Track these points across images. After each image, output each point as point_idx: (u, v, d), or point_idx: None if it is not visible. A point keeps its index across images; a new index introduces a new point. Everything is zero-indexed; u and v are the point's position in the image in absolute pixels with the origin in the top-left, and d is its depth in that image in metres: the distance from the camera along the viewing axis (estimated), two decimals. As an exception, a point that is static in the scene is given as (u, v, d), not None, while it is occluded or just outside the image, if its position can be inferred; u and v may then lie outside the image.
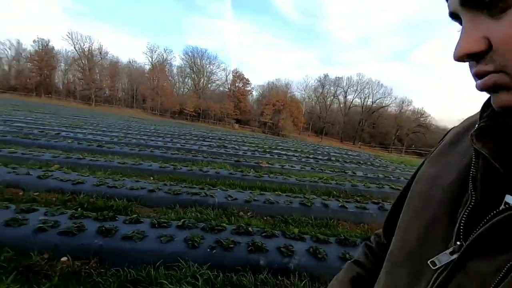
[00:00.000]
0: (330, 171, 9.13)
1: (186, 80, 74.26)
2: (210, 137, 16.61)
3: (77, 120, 18.43)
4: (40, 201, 4.36)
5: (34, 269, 2.62)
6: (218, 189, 5.41)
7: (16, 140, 8.59)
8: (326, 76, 71.86)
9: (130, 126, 18.02)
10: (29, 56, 61.46)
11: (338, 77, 70.62)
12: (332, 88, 72.27)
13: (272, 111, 62.83)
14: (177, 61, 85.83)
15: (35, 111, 22.42)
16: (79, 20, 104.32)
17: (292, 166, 8.94)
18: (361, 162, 13.73)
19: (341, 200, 5.46)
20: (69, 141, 9.05)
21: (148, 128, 18.73)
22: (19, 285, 2.30)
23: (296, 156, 11.93)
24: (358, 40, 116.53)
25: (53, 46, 63.36)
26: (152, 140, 11.64)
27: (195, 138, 14.71)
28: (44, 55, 61.44)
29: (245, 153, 11.16)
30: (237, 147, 12.74)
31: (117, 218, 3.53)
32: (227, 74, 72.08)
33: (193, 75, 72.07)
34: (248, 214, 4.65)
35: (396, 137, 64.72)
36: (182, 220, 3.58)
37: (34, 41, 60.66)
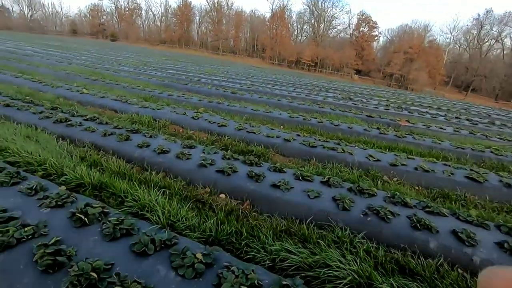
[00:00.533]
0: (499, 138, 6.95)
1: (305, 27, 70.96)
2: (333, 88, 15.53)
3: (210, 68, 20.59)
4: (195, 139, 4.98)
5: (200, 200, 2.95)
6: (356, 146, 4.86)
7: (171, 85, 10.23)
8: (488, 12, 53.74)
9: (253, 75, 18.82)
10: (173, 11, 71.77)
11: (509, 12, 51.64)
12: (494, 29, 54.13)
13: (403, 60, 53.47)
14: (297, 6, 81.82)
15: (180, 61, 26.35)
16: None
17: (440, 128, 7.26)
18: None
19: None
20: (208, 87, 10.10)
21: (270, 77, 19.12)
22: (193, 213, 2.59)
23: (442, 116, 9.71)
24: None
25: (190, 1, 71.08)
26: (276, 89, 11.75)
27: (317, 89, 14.03)
28: (184, 9, 70.24)
29: (376, 107, 9.84)
30: (364, 100, 11.40)
31: (261, 164, 3.58)
32: (350, 18, 64.21)
33: (312, 21, 67.81)
34: (395, 179, 4.00)
35: None
36: (327, 177, 3.32)
37: (178, -3, 69.04)
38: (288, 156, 4.66)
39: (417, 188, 3.88)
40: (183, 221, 2.41)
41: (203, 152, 3.77)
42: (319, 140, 5.11)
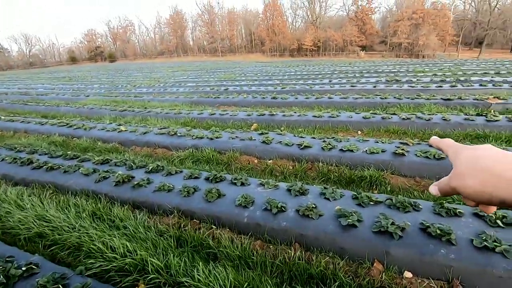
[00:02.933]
0: None
1: (299, 12, 68.98)
2: (364, 71, 14.27)
3: (224, 72, 19.58)
4: (279, 170, 4.01)
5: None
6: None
7: (201, 101, 9.29)
8: (493, -41, 50.51)
9: (271, 72, 17.70)
10: (166, 21, 71.18)
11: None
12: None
13: (409, 27, 51.05)
14: (287, -6, 79.58)
15: (187, 70, 25.47)
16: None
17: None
18: None
19: None
20: (244, 95, 9.10)
21: (289, 70, 17.96)
22: None
23: (510, 83, 8.36)
24: None
25: (181, 9, 70.36)
26: (312, 84, 10.66)
27: (351, 75, 12.81)
28: (176, 17, 69.50)
29: (429, 85, 8.58)
30: (413, 79, 10.14)
31: (418, 206, 2.57)
32: (346, -8, 61.69)
33: (306, 3, 65.68)
34: None
35: None
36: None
37: (168, 7, 68.58)
38: (406, 175, 3.64)
39: None
40: None
41: (323, 196, 2.79)
42: (431, 145, 4.04)
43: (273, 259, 2.24)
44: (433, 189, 0.49)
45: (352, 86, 9.36)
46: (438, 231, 2.13)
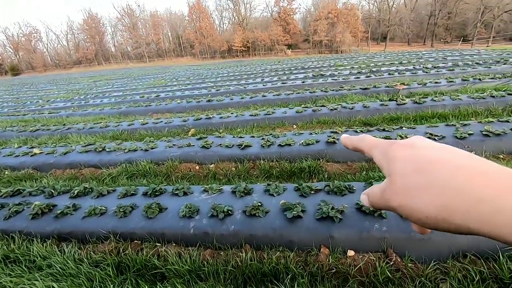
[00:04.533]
0: (490, 79, 7.13)
1: (225, 14, 69.54)
2: (292, 68, 15.08)
3: (153, 79, 18.53)
4: (222, 174, 3.94)
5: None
6: (404, 128, 4.33)
7: (131, 111, 8.61)
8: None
9: (204, 75, 17.42)
10: (79, 27, 64.12)
11: (403, -37, 57.10)
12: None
13: (326, 26, 55.98)
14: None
15: (111, 79, 23.38)
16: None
17: (436, 83, 7.19)
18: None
19: None
20: (177, 101, 8.73)
21: (221, 72, 17.92)
22: None
23: (411, 70, 9.83)
24: None
25: (96, 13, 64.15)
26: (245, 84, 10.81)
27: (281, 73, 13.40)
28: (91, 22, 63.17)
29: (349, 77, 9.57)
30: (335, 73, 11.11)
31: (354, 188, 2.79)
32: (267, -5, 64.41)
33: (231, 5, 66.57)
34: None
35: (482, 23, 52.00)
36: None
37: (78, 11, 61.96)
38: (341, 161, 3.95)
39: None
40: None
41: (267, 193, 2.83)
42: (356, 131, 4.48)
43: (225, 266, 2.18)
44: (364, 199, 0.37)
45: (283, 83, 9.79)
46: (371, 208, 2.35)
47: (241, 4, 65.63)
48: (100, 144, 5.07)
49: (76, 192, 3.32)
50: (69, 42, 69.54)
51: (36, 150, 5.23)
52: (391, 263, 2.05)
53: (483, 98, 5.39)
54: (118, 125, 6.70)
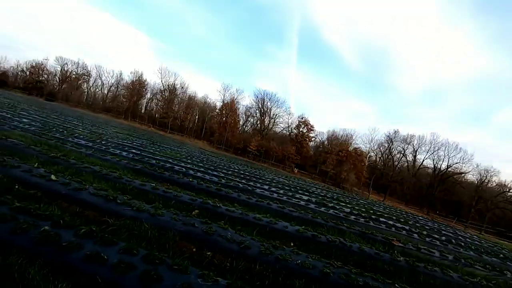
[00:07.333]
0: (480, 267, 7.39)
1: (250, 119, 77.73)
2: (298, 187, 15.89)
3: (169, 150, 19.65)
4: (217, 265, 3.95)
5: None
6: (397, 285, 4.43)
7: (145, 171, 9.02)
8: (396, 132, 67.77)
9: (217, 164, 18.42)
10: (124, 84, 72.50)
11: (411, 135, 66.01)
12: (400, 145, 67.80)
13: (335, 161, 60.81)
14: (245, 100, 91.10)
15: (133, 135, 24.88)
16: (165, 58, 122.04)
17: (430, 251, 7.48)
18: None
19: None
20: (190, 179, 9.18)
21: (233, 167, 18.94)
22: None
23: (407, 230, 10.27)
24: (425, 94, 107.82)
25: (145, 79, 73.40)
26: (254, 186, 11.39)
27: (287, 188, 14.12)
28: (137, 84, 71.45)
29: (349, 216, 10.02)
30: (337, 206, 11.66)
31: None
32: (291, 118, 73.13)
33: (258, 115, 74.99)
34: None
35: (476, 210, 55.27)
36: None
37: (131, 72, 71.28)
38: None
39: None
40: None
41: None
42: (353, 273, 4.59)
43: None
44: None
45: (288, 198, 10.30)
46: None
47: (267, 116, 74.02)
48: (113, 194, 5.29)
49: (82, 231, 3.42)
50: (109, 92, 77.13)
51: (53, 177, 5.47)
52: None
53: (473, 284, 5.55)
54: (131, 181, 7.01)
